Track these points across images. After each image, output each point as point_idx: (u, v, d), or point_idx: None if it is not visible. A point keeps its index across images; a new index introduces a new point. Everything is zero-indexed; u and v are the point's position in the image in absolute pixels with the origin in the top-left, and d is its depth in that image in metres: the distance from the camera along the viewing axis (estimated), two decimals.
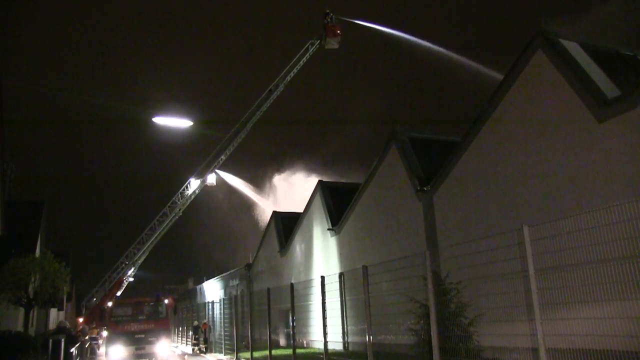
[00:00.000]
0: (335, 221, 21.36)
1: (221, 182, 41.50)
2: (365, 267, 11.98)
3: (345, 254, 20.28)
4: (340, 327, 16.91)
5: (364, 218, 19.21)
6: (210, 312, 30.86)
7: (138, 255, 36.37)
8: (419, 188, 15.50)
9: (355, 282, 14.65)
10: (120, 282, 36.28)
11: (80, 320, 35.42)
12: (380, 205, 18.20)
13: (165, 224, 36.30)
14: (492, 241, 8.43)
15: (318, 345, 19.51)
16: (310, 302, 18.45)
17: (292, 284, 17.93)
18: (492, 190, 13.01)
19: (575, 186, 10.70)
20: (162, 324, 20.82)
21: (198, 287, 53.94)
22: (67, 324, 16.00)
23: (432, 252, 10.44)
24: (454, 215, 14.20)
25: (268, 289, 19.69)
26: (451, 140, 17.31)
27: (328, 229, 21.68)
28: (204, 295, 48.70)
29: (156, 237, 36.53)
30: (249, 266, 34.15)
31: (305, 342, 21.90)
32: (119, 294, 35.50)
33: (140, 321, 20.23)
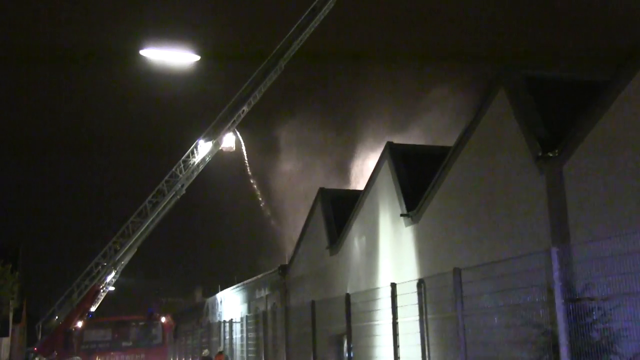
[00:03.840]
0: (412, 203, 21.13)
1: (245, 144, 41.76)
2: (457, 271, 11.79)
3: (426, 252, 20.11)
4: None
5: (454, 199, 18.95)
6: (228, 337, 31.38)
7: (121, 254, 37.09)
8: (541, 153, 15.11)
9: (443, 294, 14.49)
10: (95, 293, 37.16)
11: (35, 350, 36.43)
12: (479, 179, 17.91)
13: (161, 207, 36.82)
14: None
15: None
16: (375, 322, 18.41)
17: (347, 295, 17.92)
18: None
19: None
20: (156, 353, 21.18)
21: (209, 300, 55.03)
22: None
23: (562, 250, 10.15)
24: (598, 194, 13.78)
25: (312, 303, 19.78)
26: (592, 82, 16.73)
27: (401, 215, 21.52)
28: (219, 312, 49.66)
29: (148, 228, 37.15)
30: (284, 269, 34.40)
31: None
32: (93, 309, 36.35)
33: (124, 350, 20.54)
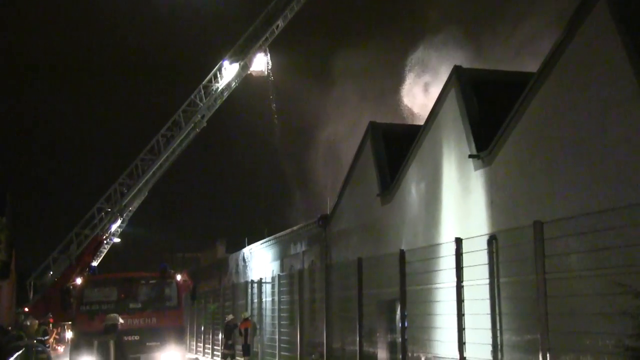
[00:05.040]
0: (484, 142, 20.91)
1: (277, 68, 41.58)
2: (539, 225, 11.62)
3: (500, 201, 19.98)
4: (490, 333, 16.81)
5: (536, 137, 18.74)
6: (256, 300, 31.77)
7: (128, 198, 37.47)
8: None
9: (520, 253, 14.39)
10: (98, 245, 37.83)
11: (26, 310, 37.28)
12: (568, 112, 17.64)
13: (177, 142, 36.91)
14: None
15: None
16: (435, 285, 18.42)
17: (402, 252, 17.91)
18: None
19: None
20: (170, 317, 21.48)
21: (234, 256, 55.69)
22: None
23: None
24: None
25: (359, 260, 19.83)
26: None
27: (470, 157, 21.34)
28: (245, 270, 50.39)
29: (161, 167, 37.35)
30: (324, 220, 34.51)
31: (424, 358, 22.11)
32: (95, 264, 36.99)
33: (132, 312, 20.85)
